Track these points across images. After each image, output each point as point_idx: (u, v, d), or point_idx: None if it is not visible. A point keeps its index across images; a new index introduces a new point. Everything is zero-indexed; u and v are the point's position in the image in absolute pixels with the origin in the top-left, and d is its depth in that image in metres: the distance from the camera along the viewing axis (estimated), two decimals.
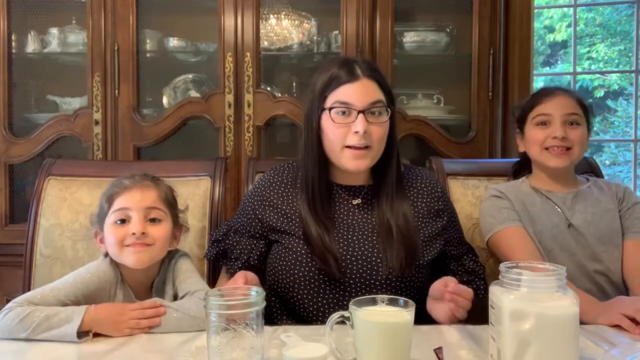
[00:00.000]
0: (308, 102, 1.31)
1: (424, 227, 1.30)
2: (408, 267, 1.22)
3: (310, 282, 1.23)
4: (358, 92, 1.23)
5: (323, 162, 1.28)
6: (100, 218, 1.22)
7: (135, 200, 1.19)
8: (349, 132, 1.22)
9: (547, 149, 1.42)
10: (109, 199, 1.21)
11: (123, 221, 1.18)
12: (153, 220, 1.20)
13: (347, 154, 1.24)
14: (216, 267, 1.47)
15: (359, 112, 1.22)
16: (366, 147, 1.23)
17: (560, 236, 1.41)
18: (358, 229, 1.27)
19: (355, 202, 1.31)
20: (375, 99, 1.24)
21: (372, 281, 1.22)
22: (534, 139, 1.45)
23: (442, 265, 1.33)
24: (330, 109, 1.24)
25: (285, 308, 1.29)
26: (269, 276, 1.31)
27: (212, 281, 1.44)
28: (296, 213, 1.28)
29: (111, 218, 1.19)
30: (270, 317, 1.28)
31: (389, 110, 1.26)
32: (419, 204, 1.33)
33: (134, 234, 1.16)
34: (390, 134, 1.29)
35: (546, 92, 1.48)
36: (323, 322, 0.93)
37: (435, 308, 1.18)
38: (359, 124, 1.21)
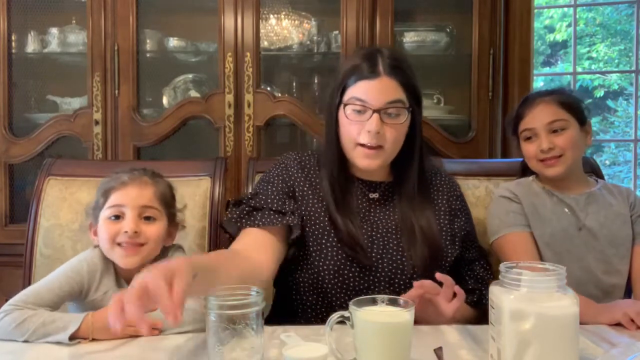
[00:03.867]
0: (329, 91, 1.28)
1: (446, 225, 1.30)
2: (433, 267, 1.19)
3: (339, 270, 1.21)
4: (375, 90, 1.19)
5: (343, 155, 1.26)
6: (95, 211, 1.22)
7: (131, 197, 1.18)
8: (362, 130, 1.20)
9: (540, 160, 1.43)
10: (105, 193, 1.20)
11: (117, 217, 1.17)
12: (147, 218, 1.19)
13: (359, 152, 1.22)
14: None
15: (374, 111, 1.18)
16: (379, 147, 1.20)
17: (569, 240, 1.40)
18: (381, 226, 1.26)
19: (372, 196, 1.29)
20: (393, 99, 1.20)
21: (398, 278, 1.21)
22: (526, 154, 1.46)
23: (454, 267, 1.31)
24: (345, 105, 1.21)
25: (309, 303, 1.26)
26: (293, 268, 1.26)
27: None
28: (321, 200, 1.26)
29: (106, 213, 1.18)
30: (296, 314, 1.26)
31: (409, 110, 1.22)
32: (439, 202, 1.32)
33: (126, 232, 1.15)
34: (413, 133, 1.25)
35: (527, 104, 1.46)
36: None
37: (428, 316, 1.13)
38: (372, 123, 1.18)
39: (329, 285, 1.22)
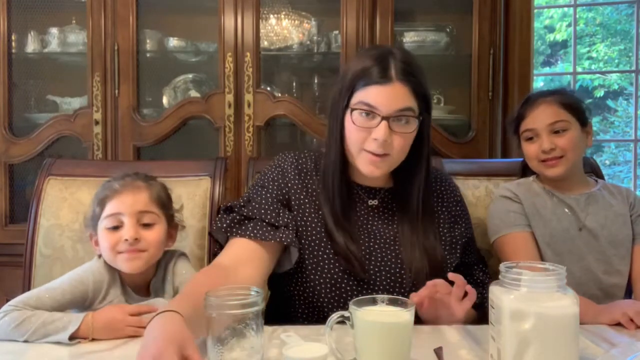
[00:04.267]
0: (336, 91, 1.21)
1: (446, 233, 1.27)
2: (432, 279, 1.14)
3: (336, 283, 1.18)
4: (386, 96, 1.13)
5: (345, 158, 1.21)
6: (93, 221, 1.21)
7: (127, 204, 1.17)
8: (369, 137, 1.14)
9: (542, 161, 1.42)
10: (101, 203, 1.19)
11: (116, 227, 1.17)
12: (146, 225, 1.18)
13: (364, 157, 1.17)
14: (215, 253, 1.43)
15: (382, 118, 1.13)
16: (385, 154, 1.16)
17: (570, 240, 1.40)
18: (379, 235, 1.23)
19: (371, 203, 1.25)
20: (404, 106, 1.14)
21: (396, 292, 1.18)
22: (528, 154, 1.46)
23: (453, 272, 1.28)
24: (353, 109, 1.15)
25: (305, 316, 1.23)
26: (287, 280, 1.24)
27: None
28: (317, 210, 1.22)
29: (104, 223, 1.18)
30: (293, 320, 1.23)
31: (419, 119, 1.17)
32: (439, 210, 1.29)
33: (126, 240, 1.15)
34: (421, 142, 1.21)
35: (529, 104, 1.46)
36: (327, 315, 0.92)
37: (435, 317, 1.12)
38: (380, 131, 1.12)
39: (325, 300, 1.19)
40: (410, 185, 1.24)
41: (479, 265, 1.35)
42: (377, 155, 1.15)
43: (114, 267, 1.19)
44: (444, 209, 1.30)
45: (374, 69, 1.14)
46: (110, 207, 1.18)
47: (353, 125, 1.16)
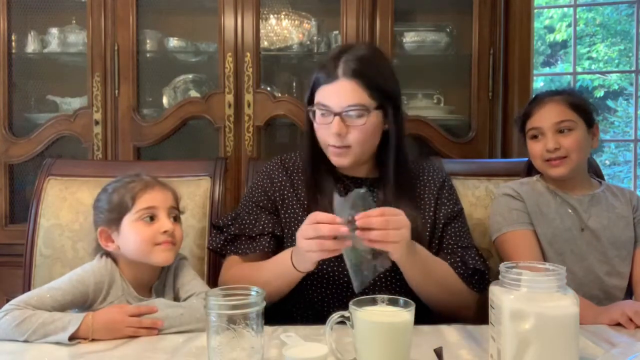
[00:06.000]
0: (306, 96, 1.34)
1: (429, 215, 1.31)
2: None
3: (317, 264, 1.21)
4: (334, 94, 1.23)
5: (322, 155, 1.31)
6: (115, 214, 1.19)
7: (160, 199, 1.20)
8: (329, 133, 1.25)
9: (546, 160, 1.42)
10: (133, 197, 1.18)
11: (151, 218, 1.18)
12: (175, 218, 1.22)
13: (330, 151, 1.28)
14: (217, 264, 1.47)
15: (335, 114, 1.23)
16: (345, 147, 1.25)
17: (572, 240, 1.40)
18: None
19: (360, 192, 1.30)
20: (352, 102, 1.22)
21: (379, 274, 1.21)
22: (532, 153, 1.46)
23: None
24: (314, 110, 1.27)
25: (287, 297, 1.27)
26: None
27: (212, 282, 1.44)
28: (302, 202, 1.32)
29: (137, 215, 1.17)
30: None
31: (369, 111, 1.23)
32: (425, 197, 1.34)
33: (165, 232, 1.16)
34: (392, 130, 1.29)
35: (536, 102, 1.46)
36: (324, 315, 0.93)
37: None
38: (334, 126, 1.23)
39: (307, 282, 1.24)
40: (386, 173, 1.31)
41: (469, 252, 1.31)
42: (338, 147, 1.25)
43: (118, 267, 1.19)
44: (430, 196, 1.34)
45: (324, 70, 1.26)
46: (144, 201, 1.18)
47: (316, 124, 1.29)
